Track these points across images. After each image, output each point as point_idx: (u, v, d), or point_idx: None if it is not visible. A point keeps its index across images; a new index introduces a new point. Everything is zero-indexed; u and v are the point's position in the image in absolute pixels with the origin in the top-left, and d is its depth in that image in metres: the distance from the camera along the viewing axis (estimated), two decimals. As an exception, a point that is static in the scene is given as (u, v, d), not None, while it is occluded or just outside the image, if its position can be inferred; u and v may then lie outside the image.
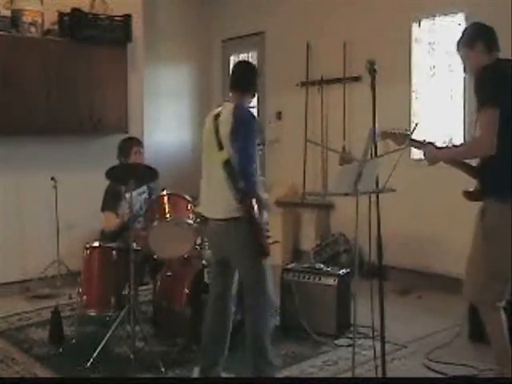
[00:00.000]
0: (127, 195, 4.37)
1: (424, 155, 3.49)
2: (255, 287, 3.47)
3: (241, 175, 3.33)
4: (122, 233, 4.53)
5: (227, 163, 3.38)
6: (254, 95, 3.68)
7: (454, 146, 3.47)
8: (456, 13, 5.69)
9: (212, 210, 3.53)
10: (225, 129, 3.43)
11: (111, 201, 4.65)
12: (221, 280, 3.61)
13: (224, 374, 3.71)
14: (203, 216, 3.67)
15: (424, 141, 3.51)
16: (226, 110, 3.49)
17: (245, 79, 3.62)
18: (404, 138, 3.43)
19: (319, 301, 4.47)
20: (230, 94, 3.62)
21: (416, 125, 5.67)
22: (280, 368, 3.82)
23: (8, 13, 5.48)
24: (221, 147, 3.41)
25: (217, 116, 3.51)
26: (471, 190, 3.48)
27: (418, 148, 3.55)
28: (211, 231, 3.61)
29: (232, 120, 3.41)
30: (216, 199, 3.48)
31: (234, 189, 3.34)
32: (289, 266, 4.83)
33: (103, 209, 4.72)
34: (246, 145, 3.39)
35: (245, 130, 3.42)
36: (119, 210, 4.61)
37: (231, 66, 8.17)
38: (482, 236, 3.37)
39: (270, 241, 3.52)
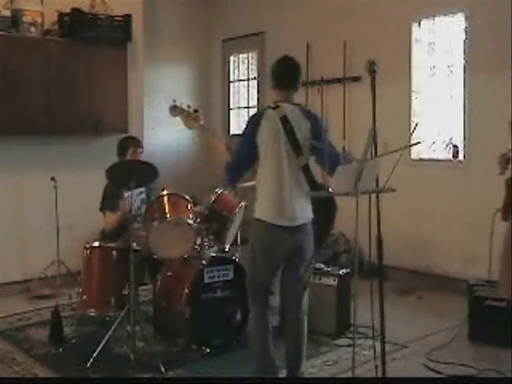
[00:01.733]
0: (126, 194, 4.38)
1: None
2: (306, 288, 3.55)
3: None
4: (122, 232, 4.53)
5: (307, 168, 3.39)
6: None
7: None
8: (456, 13, 5.70)
9: (299, 216, 3.40)
10: (301, 134, 3.38)
11: (110, 200, 4.64)
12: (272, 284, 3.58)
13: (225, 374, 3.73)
14: (273, 224, 3.39)
15: None
16: (294, 113, 3.40)
17: (299, 79, 3.53)
18: None
19: (319, 301, 4.47)
20: (277, 93, 3.48)
21: (416, 125, 5.75)
22: (280, 368, 3.84)
23: (8, 13, 5.48)
24: (300, 152, 3.37)
25: (285, 119, 3.38)
26: None
27: None
28: (288, 239, 3.41)
29: (310, 123, 3.39)
30: (301, 205, 3.41)
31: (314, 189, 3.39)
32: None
33: (103, 208, 4.72)
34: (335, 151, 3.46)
35: (325, 134, 3.48)
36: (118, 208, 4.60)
37: (231, 66, 8.25)
38: None
39: None
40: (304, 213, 3.43)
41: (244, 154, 3.46)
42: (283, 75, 3.50)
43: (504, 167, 3.28)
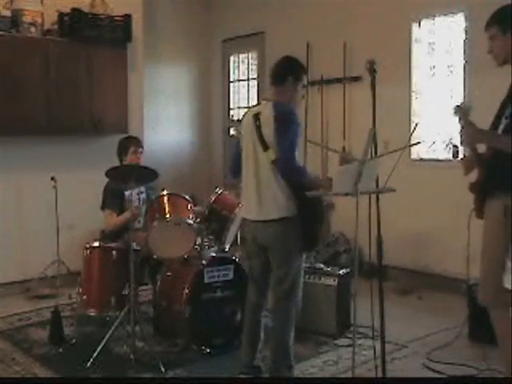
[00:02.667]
0: (126, 193, 4.37)
1: (462, 135, 3.17)
2: (294, 287, 3.53)
3: (285, 172, 3.39)
4: (122, 232, 4.52)
5: (275, 163, 3.40)
6: (294, 89, 3.54)
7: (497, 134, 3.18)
8: (456, 13, 5.69)
9: (261, 211, 3.49)
10: (268, 129, 3.42)
11: (111, 199, 4.63)
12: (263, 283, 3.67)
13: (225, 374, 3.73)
14: (243, 217, 3.72)
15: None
16: (266, 109, 3.48)
17: (281, 73, 3.56)
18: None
19: (319, 301, 4.47)
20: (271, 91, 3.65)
21: (416, 125, 5.75)
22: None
23: (8, 13, 5.48)
24: (266, 148, 3.41)
25: (257, 115, 3.50)
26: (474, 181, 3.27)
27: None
28: (255, 233, 3.57)
29: (273, 119, 3.42)
30: (265, 201, 3.47)
31: (289, 187, 3.40)
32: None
33: (103, 207, 4.70)
34: (287, 142, 3.37)
35: (285, 127, 3.41)
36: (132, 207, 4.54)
37: (231, 66, 8.26)
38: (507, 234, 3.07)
39: None
40: (272, 208, 3.44)
41: (236, 152, 3.75)
42: (271, 72, 3.65)
43: (469, 169, 3.32)
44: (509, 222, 3.05)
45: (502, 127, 3.14)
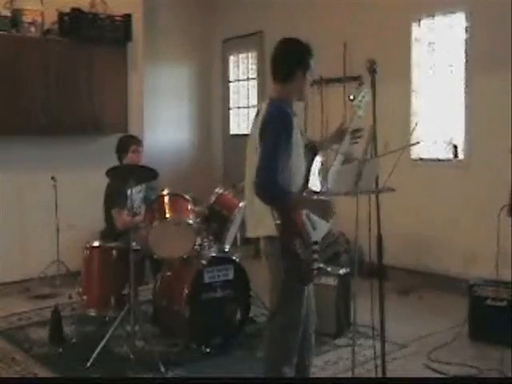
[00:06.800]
0: (128, 192, 4.35)
1: None
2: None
3: (255, 180, 2.81)
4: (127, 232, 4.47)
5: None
6: (301, 81, 3.27)
7: None
8: (456, 12, 5.69)
9: (249, 224, 3.06)
10: (257, 130, 2.95)
11: (119, 198, 4.52)
12: None
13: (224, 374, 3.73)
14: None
15: None
16: (263, 109, 3.01)
17: (280, 66, 3.19)
18: None
19: (319, 301, 4.46)
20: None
21: (416, 124, 5.74)
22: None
23: (8, 13, 5.49)
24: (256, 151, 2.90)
25: (256, 116, 3.06)
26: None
27: None
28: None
29: (262, 119, 2.93)
30: (252, 212, 3.01)
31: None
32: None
33: (112, 206, 4.59)
34: (266, 144, 2.84)
35: (269, 127, 2.86)
36: (135, 209, 4.48)
37: (231, 66, 8.25)
38: None
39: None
40: (259, 223, 2.97)
41: None
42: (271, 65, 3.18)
43: None
44: None
45: None
